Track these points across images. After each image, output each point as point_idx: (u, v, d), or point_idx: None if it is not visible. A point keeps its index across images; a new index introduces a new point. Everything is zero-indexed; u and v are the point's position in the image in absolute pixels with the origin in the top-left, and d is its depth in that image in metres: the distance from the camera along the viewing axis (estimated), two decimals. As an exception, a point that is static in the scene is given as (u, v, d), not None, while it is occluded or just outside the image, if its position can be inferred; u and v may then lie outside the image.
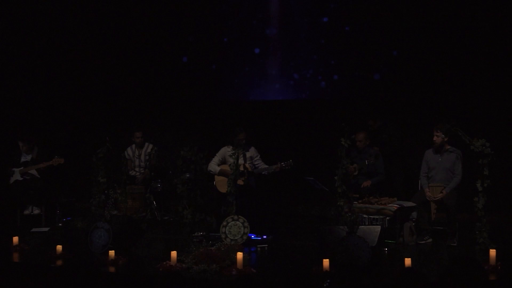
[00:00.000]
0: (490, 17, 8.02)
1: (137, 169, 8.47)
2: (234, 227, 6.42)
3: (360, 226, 5.52)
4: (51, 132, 9.49)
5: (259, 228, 6.65)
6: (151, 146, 8.45)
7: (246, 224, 6.42)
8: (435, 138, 6.62)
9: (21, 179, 7.94)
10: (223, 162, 7.45)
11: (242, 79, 9.73)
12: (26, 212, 8.17)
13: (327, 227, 5.57)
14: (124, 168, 7.94)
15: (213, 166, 7.39)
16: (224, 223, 6.46)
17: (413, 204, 6.60)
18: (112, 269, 5.43)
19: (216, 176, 7.38)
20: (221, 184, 7.23)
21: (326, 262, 5.00)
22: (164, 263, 5.32)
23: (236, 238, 6.37)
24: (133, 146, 8.54)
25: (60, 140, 9.38)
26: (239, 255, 5.17)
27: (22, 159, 8.03)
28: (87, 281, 5.27)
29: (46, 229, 7.60)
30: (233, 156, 6.96)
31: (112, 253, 5.59)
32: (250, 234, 6.54)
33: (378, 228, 5.56)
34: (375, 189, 7.28)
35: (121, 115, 9.74)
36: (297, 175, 7.75)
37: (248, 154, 7.32)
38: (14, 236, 6.30)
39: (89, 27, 9.71)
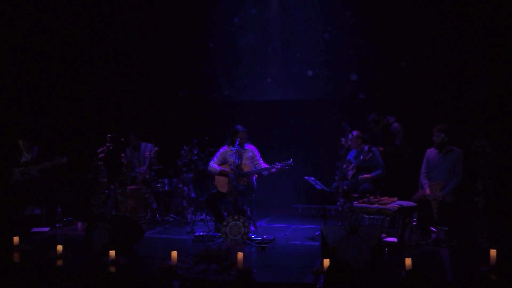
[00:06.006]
0: (490, 18, 8.03)
1: (137, 169, 8.47)
2: (235, 227, 6.43)
3: (360, 226, 5.52)
4: (52, 131, 9.49)
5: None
6: (149, 145, 8.45)
7: (246, 224, 6.42)
8: (435, 138, 6.63)
9: (21, 179, 7.94)
10: (223, 162, 7.45)
11: (242, 79, 9.74)
12: (27, 212, 8.18)
13: (327, 227, 5.56)
14: (125, 168, 7.94)
15: (213, 166, 7.39)
16: (225, 223, 6.47)
17: (414, 204, 6.61)
18: (112, 269, 5.43)
19: (216, 176, 7.38)
20: (222, 184, 7.23)
21: (326, 262, 5.00)
22: (164, 263, 5.32)
23: (236, 238, 6.38)
24: (131, 147, 8.56)
25: (61, 140, 9.39)
26: (239, 255, 5.17)
27: (23, 159, 8.03)
28: (87, 281, 5.29)
29: (46, 229, 7.60)
30: (234, 156, 6.97)
31: (112, 253, 5.59)
32: (250, 234, 6.55)
33: (378, 228, 5.55)
34: (375, 189, 7.29)
35: (120, 115, 9.75)
36: (297, 175, 7.75)
37: (248, 154, 7.32)
38: (14, 236, 6.30)
39: (89, 27, 9.71)
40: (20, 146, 8.01)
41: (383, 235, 6.09)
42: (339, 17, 9.18)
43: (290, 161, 6.95)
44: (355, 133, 7.45)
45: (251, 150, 7.39)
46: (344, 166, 6.33)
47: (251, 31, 9.59)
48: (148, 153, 8.06)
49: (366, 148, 7.43)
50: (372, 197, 6.74)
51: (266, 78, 9.66)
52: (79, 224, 7.84)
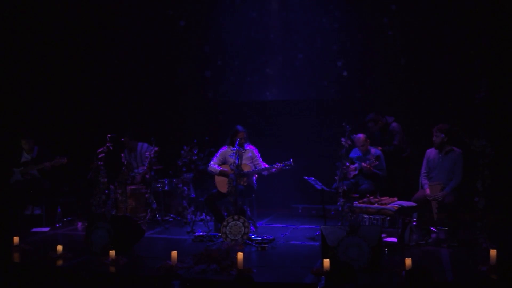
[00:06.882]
0: (490, 18, 8.03)
1: (135, 170, 8.46)
2: (235, 227, 6.43)
3: (360, 226, 5.53)
4: (52, 132, 9.49)
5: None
6: (145, 145, 8.44)
7: (246, 224, 6.42)
8: (434, 138, 6.63)
9: (21, 179, 7.94)
10: (223, 162, 7.45)
11: (242, 79, 9.73)
12: (27, 212, 8.18)
13: (328, 227, 5.56)
14: (125, 168, 7.94)
15: (213, 166, 7.39)
16: (225, 223, 6.47)
17: (414, 204, 6.60)
18: (112, 269, 5.43)
19: (216, 176, 7.38)
20: (222, 184, 7.23)
21: (326, 262, 5.00)
22: (164, 263, 5.32)
23: (236, 238, 6.38)
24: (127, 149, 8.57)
25: (61, 140, 9.38)
26: (239, 255, 5.17)
27: (23, 159, 8.03)
28: (87, 281, 5.28)
29: (46, 229, 7.61)
30: (234, 156, 6.97)
31: (112, 253, 5.59)
32: (250, 234, 6.54)
33: (378, 228, 5.56)
34: (375, 189, 7.28)
35: (120, 115, 9.74)
36: (297, 175, 7.75)
37: (248, 154, 7.32)
38: (14, 236, 6.30)
39: (89, 27, 9.71)
40: (22, 145, 8.01)
41: (383, 235, 6.08)
42: (339, 17, 9.19)
43: (290, 161, 6.95)
44: (362, 136, 7.44)
45: (251, 150, 7.39)
46: (344, 166, 6.32)
47: (250, 31, 9.58)
48: (148, 153, 8.05)
49: (372, 150, 7.42)
50: (372, 197, 6.73)
51: (265, 78, 9.65)
52: (79, 224, 7.84)
